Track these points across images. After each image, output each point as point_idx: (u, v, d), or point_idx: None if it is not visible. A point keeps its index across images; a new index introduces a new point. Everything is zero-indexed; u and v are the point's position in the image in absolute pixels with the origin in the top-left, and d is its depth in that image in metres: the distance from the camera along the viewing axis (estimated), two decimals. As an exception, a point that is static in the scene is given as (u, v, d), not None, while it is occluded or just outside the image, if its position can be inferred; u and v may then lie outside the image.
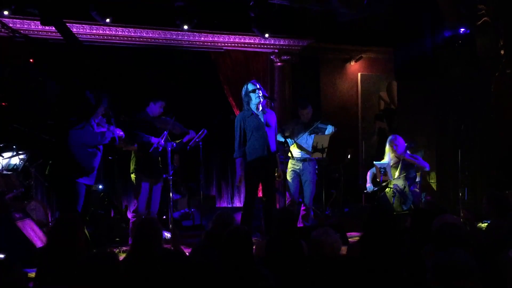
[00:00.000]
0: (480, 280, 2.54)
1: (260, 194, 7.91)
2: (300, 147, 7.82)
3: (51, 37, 8.53)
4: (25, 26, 8.44)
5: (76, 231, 4.17)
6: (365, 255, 3.55)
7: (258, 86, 7.06)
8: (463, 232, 3.82)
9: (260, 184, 7.43)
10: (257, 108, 7.06)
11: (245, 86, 7.11)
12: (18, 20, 8.35)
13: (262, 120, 7.05)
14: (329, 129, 7.81)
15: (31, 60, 8.21)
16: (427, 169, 8.09)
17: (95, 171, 6.50)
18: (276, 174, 7.40)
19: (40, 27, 8.31)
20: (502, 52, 7.93)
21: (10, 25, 8.30)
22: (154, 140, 6.98)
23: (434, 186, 8.97)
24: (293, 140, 7.72)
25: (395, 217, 4.16)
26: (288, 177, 7.88)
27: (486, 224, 6.26)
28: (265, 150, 7.02)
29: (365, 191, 8.49)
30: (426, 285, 2.82)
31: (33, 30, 8.49)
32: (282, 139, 7.56)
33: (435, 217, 4.41)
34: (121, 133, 6.67)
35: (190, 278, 3.48)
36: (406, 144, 8.00)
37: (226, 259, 3.49)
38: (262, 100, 7.04)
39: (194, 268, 3.35)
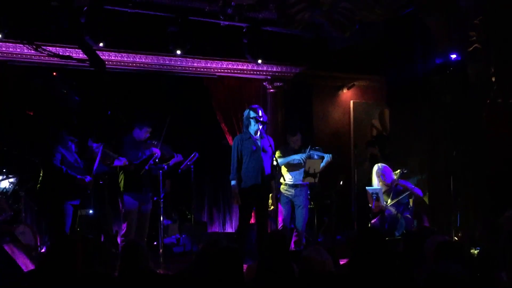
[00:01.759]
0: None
1: (252, 220, 7.87)
2: (290, 166, 7.80)
3: (43, 61, 8.56)
4: (17, 50, 8.44)
5: (75, 254, 4.12)
6: (354, 275, 3.52)
7: (260, 114, 7.10)
8: (461, 248, 3.83)
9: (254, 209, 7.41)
10: (255, 133, 7.10)
11: (248, 111, 7.16)
12: (11, 44, 8.36)
13: (259, 144, 7.08)
14: (327, 158, 7.81)
15: (54, 74, 8.27)
16: (420, 195, 8.07)
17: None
18: (270, 202, 7.42)
19: (32, 51, 8.35)
20: (493, 79, 7.96)
21: (3, 49, 8.31)
22: (155, 150, 6.96)
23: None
24: (282, 160, 7.69)
25: (385, 239, 4.12)
26: (281, 203, 7.84)
27: (477, 250, 6.26)
28: (259, 175, 7.05)
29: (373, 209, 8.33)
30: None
31: (25, 54, 8.49)
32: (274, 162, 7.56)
33: (427, 239, 4.39)
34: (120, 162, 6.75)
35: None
36: (394, 172, 8.02)
37: (215, 278, 3.44)
38: (260, 128, 7.08)
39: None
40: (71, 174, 6.51)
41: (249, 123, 7.11)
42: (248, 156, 7.05)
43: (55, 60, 8.53)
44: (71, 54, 8.51)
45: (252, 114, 7.10)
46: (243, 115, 7.34)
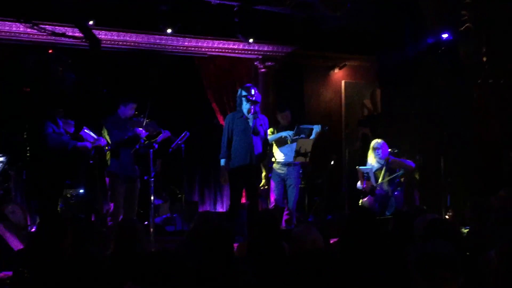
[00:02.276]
0: (462, 272, 2.50)
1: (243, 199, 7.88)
2: (280, 143, 7.80)
3: (32, 39, 8.51)
4: (6, 28, 8.36)
5: (64, 234, 4.11)
6: (344, 254, 3.53)
7: (252, 93, 7.04)
8: (451, 227, 3.85)
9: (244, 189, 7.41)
10: (248, 112, 7.04)
11: (240, 90, 7.12)
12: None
13: (251, 124, 7.02)
14: (316, 129, 7.81)
15: (50, 51, 8.20)
16: (412, 166, 8.06)
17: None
18: (262, 182, 7.44)
19: (21, 29, 8.28)
20: (484, 59, 7.97)
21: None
22: (131, 134, 6.91)
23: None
24: (271, 137, 7.70)
25: (375, 218, 4.14)
26: (272, 182, 7.85)
27: (467, 230, 6.29)
28: (249, 155, 7.00)
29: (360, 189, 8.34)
30: (407, 284, 2.79)
31: (15, 32, 8.41)
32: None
33: (417, 218, 4.41)
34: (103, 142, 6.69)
35: (171, 275, 3.42)
36: (389, 149, 8.01)
37: (207, 255, 3.44)
38: (252, 107, 7.02)
39: (175, 265, 3.29)
40: (66, 141, 6.43)
41: (241, 102, 7.06)
42: (239, 135, 7.01)
43: (46, 38, 8.49)
44: (66, 32, 8.48)
45: (243, 93, 7.06)
46: (236, 95, 7.30)
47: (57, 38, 8.50)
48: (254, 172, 7.16)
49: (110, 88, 8.51)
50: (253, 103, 7.00)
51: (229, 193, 7.34)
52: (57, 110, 6.48)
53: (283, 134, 7.84)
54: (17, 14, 8.11)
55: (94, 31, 8.59)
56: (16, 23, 8.29)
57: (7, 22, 8.30)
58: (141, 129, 6.94)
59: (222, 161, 7.05)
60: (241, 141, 6.98)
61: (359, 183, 8.19)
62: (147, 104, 6.95)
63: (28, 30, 8.34)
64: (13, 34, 8.46)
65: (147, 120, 7.02)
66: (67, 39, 8.56)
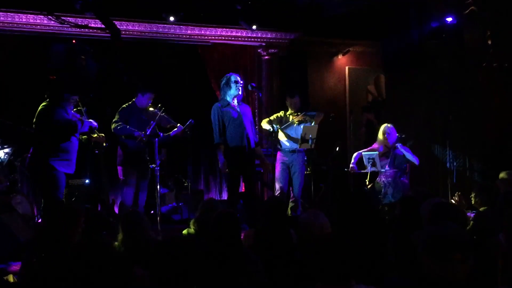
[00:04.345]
0: (472, 254, 2.50)
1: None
2: (288, 136, 7.80)
3: (35, 30, 8.54)
4: (8, 19, 8.37)
5: (75, 224, 4.14)
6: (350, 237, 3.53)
7: (239, 79, 7.10)
8: (457, 210, 3.85)
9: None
10: (233, 100, 7.09)
11: (228, 75, 7.16)
12: (1, 13, 8.28)
13: (239, 110, 7.10)
14: (313, 113, 7.82)
15: (73, 41, 8.25)
16: (416, 163, 8.03)
17: (74, 160, 6.46)
18: (263, 167, 7.46)
19: (23, 20, 8.30)
20: (489, 42, 7.92)
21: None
22: (137, 133, 6.97)
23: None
24: (277, 126, 7.69)
25: (371, 203, 4.16)
26: (277, 169, 7.85)
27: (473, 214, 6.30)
28: (244, 139, 7.06)
29: (349, 170, 8.35)
30: (415, 268, 2.79)
31: (17, 23, 8.43)
32: (270, 128, 7.58)
33: (423, 202, 4.41)
34: (95, 123, 6.66)
35: (179, 263, 3.42)
36: (397, 135, 8.00)
37: (214, 243, 3.44)
38: (240, 93, 7.08)
39: (183, 253, 3.29)
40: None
41: (230, 88, 7.10)
42: (230, 123, 7.07)
43: (66, 30, 8.68)
44: (89, 23, 8.63)
45: (233, 78, 7.12)
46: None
47: (78, 29, 8.65)
48: (250, 158, 7.20)
49: (116, 77, 8.57)
50: (251, 87, 7.27)
51: (227, 177, 7.40)
52: (71, 98, 6.49)
53: (291, 132, 7.83)
54: (40, 7, 8.31)
55: (95, 20, 8.60)
56: (40, 16, 8.44)
57: (30, 15, 8.44)
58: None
59: (220, 150, 7.08)
60: (235, 128, 7.03)
61: (352, 165, 8.17)
62: (161, 105, 7.05)
63: (51, 22, 8.49)
64: (34, 26, 8.60)
65: (162, 114, 7.08)
66: (86, 30, 8.70)
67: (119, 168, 8.00)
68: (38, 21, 8.52)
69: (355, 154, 8.27)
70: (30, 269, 3.95)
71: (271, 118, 7.95)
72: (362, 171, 8.06)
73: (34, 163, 6.41)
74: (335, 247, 2.69)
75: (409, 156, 7.93)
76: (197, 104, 9.51)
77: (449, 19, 8.13)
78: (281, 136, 7.84)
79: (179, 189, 9.32)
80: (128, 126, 7.09)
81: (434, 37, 8.67)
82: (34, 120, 6.38)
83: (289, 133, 7.81)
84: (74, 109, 6.62)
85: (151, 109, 7.30)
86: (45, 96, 6.45)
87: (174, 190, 9.30)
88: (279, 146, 7.81)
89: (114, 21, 8.71)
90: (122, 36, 9.00)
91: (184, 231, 4.92)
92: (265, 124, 7.84)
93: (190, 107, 9.19)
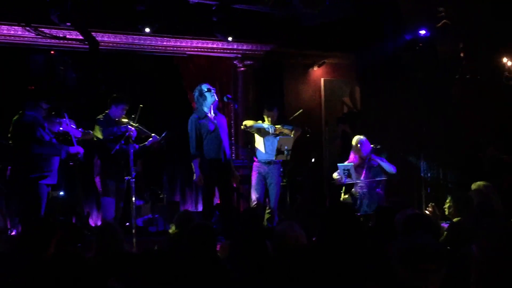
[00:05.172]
0: (445, 264, 2.52)
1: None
2: (264, 147, 7.82)
3: (12, 41, 8.48)
4: (11, 32, 8.40)
5: (52, 237, 4.11)
6: (327, 248, 3.54)
7: (210, 86, 7.17)
8: (430, 221, 3.88)
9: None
10: (210, 110, 7.11)
11: (199, 87, 7.19)
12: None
13: (216, 122, 7.12)
14: (290, 127, 7.87)
15: (52, 52, 8.45)
16: (393, 171, 8.04)
17: (56, 169, 6.43)
18: (232, 180, 7.50)
19: (11, 31, 8.28)
20: (462, 54, 8.05)
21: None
22: (130, 128, 6.94)
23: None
24: (274, 127, 7.73)
25: (355, 214, 4.17)
26: (253, 180, 7.86)
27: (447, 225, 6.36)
28: (220, 151, 7.09)
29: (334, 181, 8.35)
30: (390, 278, 2.81)
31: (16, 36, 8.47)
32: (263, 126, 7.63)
33: (397, 213, 4.44)
34: (78, 134, 6.64)
35: (153, 276, 3.41)
36: (372, 146, 8.03)
37: (190, 255, 3.43)
38: (216, 100, 7.12)
39: (158, 263, 3.28)
40: (58, 149, 6.41)
41: (205, 99, 7.15)
42: (207, 135, 7.10)
43: (45, 41, 8.60)
44: (65, 35, 8.56)
45: (205, 87, 7.16)
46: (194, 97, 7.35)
47: (56, 40, 8.57)
48: (226, 170, 7.22)
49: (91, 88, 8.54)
50: (227, 98, 7.34)
51: (202, 194, 7.42)
52: (41, 105, 6.44)
53: (264, 125, 7.85)
54: (18, 19, 8.28)
55: (70, 32, 8.55)
56: (16, 27, 8.38)
57: (11, 27, 8.39)
58: (132, 128, 6.96)
59: (196, 161, 7.09)
60: (212, 140, 7.07)
61: (335, 174, 8.17)
62: (138, 108, 6.99)
63: (28, 33, 8.44)
64: (13, 38, 8.52)
65: (136, 124, 7.04)
66: (64, 42, 8.63)
67: (97, 179, 7.90)
68: (12, 32, 8.43)
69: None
70: (3, 282, 3.90)
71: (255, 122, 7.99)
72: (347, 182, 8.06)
73: (15, 180, 6.34)
74: (311, 257, 2.70)
75: (384, 165, 7.95)
76: (173, 115, 9.49)
77: (423, 32, 8.25)
78: (258, 145, 7.86)
79: (155, 201, 9.27)
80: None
81: (409, 49, 8.79)
82: (11, 134, 6.32)
83: (266, 145, 7.83)
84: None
85: (124, 120, 7.24)
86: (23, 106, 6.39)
87: (149, 201, 9.25)
88: (254, 158, 7.82)
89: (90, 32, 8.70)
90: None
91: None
92: (255, 123, 7.86)
93: (166, 118, 9.17)
